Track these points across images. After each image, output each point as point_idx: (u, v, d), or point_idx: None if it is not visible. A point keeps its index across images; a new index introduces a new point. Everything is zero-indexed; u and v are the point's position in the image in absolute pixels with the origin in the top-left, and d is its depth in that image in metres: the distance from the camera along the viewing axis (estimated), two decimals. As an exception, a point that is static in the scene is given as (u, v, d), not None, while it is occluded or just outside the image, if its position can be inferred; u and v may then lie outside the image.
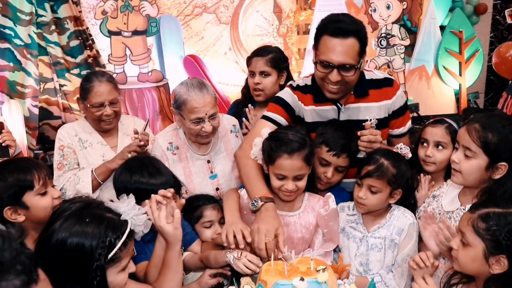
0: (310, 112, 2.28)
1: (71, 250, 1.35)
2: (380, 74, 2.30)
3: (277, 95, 2.36)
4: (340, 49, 2.03)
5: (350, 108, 2.25)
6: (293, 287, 1.49)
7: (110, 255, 1.40)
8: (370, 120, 2.16)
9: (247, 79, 2.95)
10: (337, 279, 1.67)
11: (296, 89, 2.31)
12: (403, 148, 2.13)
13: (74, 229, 1.38)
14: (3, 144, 2.68)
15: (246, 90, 2.98)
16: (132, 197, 1.59)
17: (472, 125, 1.76)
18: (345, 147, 2.15)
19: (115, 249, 1.41)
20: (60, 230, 1.39)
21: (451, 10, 5.42)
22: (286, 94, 2.31)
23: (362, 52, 2.11)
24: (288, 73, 2.87)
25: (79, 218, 1.41)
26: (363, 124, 2.18)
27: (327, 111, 2.27)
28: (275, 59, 2.79)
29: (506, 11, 5.41)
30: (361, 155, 2.21)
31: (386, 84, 2.28)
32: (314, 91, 2.26)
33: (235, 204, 2.07)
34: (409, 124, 2.39)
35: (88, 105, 2.53)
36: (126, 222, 1.49)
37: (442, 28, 5.34)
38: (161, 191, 1.76)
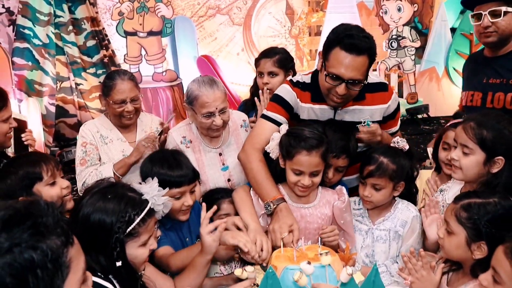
0: (307, 110, 2.34)
1: (94, 224, 1.48)
2: (375, 78, 2.34)
3: (276, 92, 2.40)
4: (352, 65, 2.07)
5: (346, 110, 2.33)
6: (301, 270, 1.58)
7: (128, 229, 1.51)
8: (364, 122, 2.25)
9: (255, 78, 3.06)
10: (343, 266, 1.75)
11: (296, 85, 2.35)
12: (399, 142, 2.21)
13: (98, 205, 1.50)
14: (25, 143, 2.77)
15: (254, 89, 3.09)
16: (155, 180, 1.69)
17: (468, 124, 1.85)
18: (344, 148, 2.22)
19: (134, 224, 1.52)
20: (86, 205, 1.51)
21: (462, 12, 5.46)
22: (285, 91, 2.35)
23: (369, 67, 2.16)
24: (294, 73, 2.96)
25: (103, 195, 1.53)
26: (357, 126, 2.27)
27: (324, 111, 2.33)
28: (282, 59, 2.91)
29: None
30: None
31: (381, 89, 2.34)
32: (312, 90, 2.32)
33: (252, 208, 2.16)
34: (399, 122, 2.48)
35: (111, 102, 2.62)
36: (146, 201, 1.60)
37: (453, 30, 5.38)
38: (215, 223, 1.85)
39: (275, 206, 2.04)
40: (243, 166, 2.29)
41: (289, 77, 2.44)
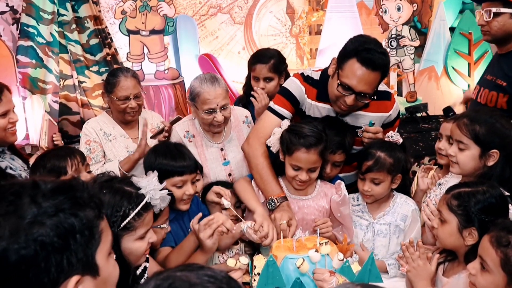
0: (312, 107, 2.40)
1: None
2: (380, 86, 2.38)
3: (284, 86, 2.45)
4: (365, 79, 2.13)
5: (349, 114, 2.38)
6: (308, 257, 1.65)
7: (123, 224, 1.55)
8: (368, 126, 2.34)
9: (247, 77, 3.12)
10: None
11: (306, 80, 2.39)
12: (393, 136, 2.29)
13: None
14: (55, 142, 3.06)
15: (246, 88, 3.15)
16: (155, 173, 1.75)
17: (461, 120, 1.95)
18: (340, 144, 2.30)
19: (128, 218, 1.56)
20: None
21: (461, 12, 5.50)
22: (294, 86, 2.39)
23: (380, 83, 2.24)
24: (287, 74, 3.05)
25: (99, 189, 1.57)
26: (357, 130, 2.37)
27: (326, 110, 2.39)
28: (277, 64, 3.00)
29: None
30: (353, 151, 2.39)
31: (385, 98, 2.41)
32: (319, 88, 2.37)
33: (256, 195, 2.26)
34: (396, 130, 2.54)
35: (115, 98, 2.69)
36: (142, 195, 1.63)
37: (452, 29, 5.42)
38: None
39: (279, 203, 2.12)
40: (247, 159, 2.35)
41: (300, 71, 2.48)
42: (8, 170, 2.30)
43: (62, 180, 1.06)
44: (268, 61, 2.98)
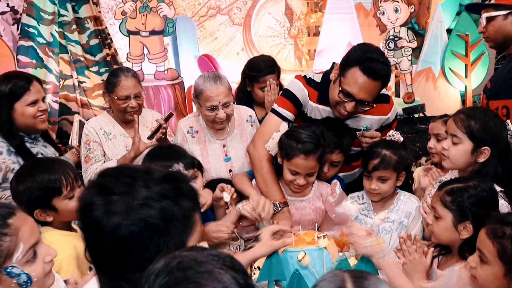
0: (314, 109, 2.45)
1: None
2: None
3: (288, 88, 2.49)
4: (366, 88, 2.17)
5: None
6: (309, 250, 1.69)
7: None
8: (364, 130, 2.40)
9: (242, 86, 3.16)
10: (339, 252, 1.87)
11: (309, 83, 2.43)
12: (394, 135, 2.34)
13: None
14: None
15: (242, 89, 3.18)
16: (180, 165, 1.80)
17: (458, 116, 2.02)
18: (337, 144, 2.34)
19: None
20: None
21: (458, 13, 5.54)
22: (297, 89, 2.43)
23: (380, 91, 2.29)
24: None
25: None
26: (356, 133, 2.41)
27: (327, 112, 2.43)
28: (279, 70, 3.06)
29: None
30: (352, 151, 2.44)
31: (383, 101, 2.46)
32: (320, 90, 2.41)
33: (252, 185, 2.34)
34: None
35: (115, 98, 2.72)
36: None
37: (449, 31, 5.46)
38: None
39: (281, 208, 2.20)
40: (252, 161, 2.39)
41: (303, 73, 2.52)
42: (39, 156, 2.41)
43: (169, 170, 1.17)
44: (274, 71, 3.06)
